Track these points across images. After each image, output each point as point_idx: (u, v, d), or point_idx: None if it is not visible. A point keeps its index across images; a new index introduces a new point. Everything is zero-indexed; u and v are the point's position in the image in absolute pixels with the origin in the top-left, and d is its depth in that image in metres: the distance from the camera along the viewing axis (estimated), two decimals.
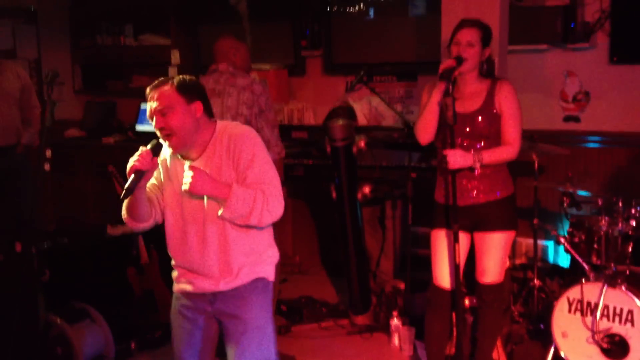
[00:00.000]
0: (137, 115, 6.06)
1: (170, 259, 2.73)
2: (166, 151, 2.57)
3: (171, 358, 2.80)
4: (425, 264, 3.50)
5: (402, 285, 4.33)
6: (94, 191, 5.97)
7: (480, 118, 3.18)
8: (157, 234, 4.32)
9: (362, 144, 4.05)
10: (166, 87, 2.47)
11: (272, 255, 2.67)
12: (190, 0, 6.00)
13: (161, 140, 2.50)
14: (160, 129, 2.45)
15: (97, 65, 6.52)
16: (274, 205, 2.47)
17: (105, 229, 4.50)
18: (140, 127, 6.01)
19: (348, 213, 4.17)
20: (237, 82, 3.83)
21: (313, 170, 4.41)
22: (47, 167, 3.08)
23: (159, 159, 2.57)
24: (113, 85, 6.51)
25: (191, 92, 2.49)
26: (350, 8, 5.52)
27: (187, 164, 2.50)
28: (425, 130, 3.25)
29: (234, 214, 2.44)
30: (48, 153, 3.06)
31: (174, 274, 2.70)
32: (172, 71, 5.87)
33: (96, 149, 6.01)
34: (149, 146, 2.47)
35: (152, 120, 2.47)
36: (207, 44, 4.01)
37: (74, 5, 6.44)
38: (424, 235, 4.51)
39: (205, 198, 2.49)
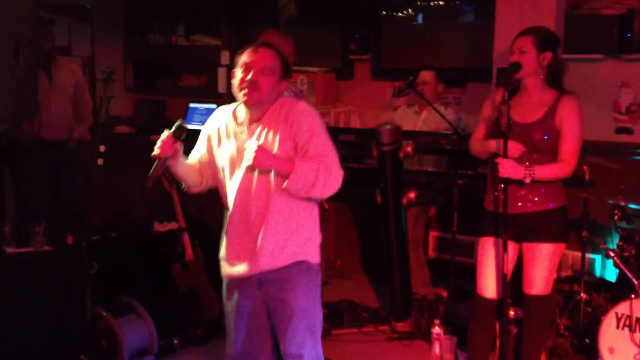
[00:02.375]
0: (186, 113, 6.14)
1: (215, 255, 2.78)
2: (220, 119, 2.67)
3: (221, 350, 2.84)
4: (464, 272, 3.46)
5: (444, 293, 4.30)
6: (142, 187, 6.05)
7: (537, 130, 3.13)
8: (202, 232, 4.41)
9: (409, 149, 4.04)
10: (274, 51, 2.58)
11: (315, 237, 2.70)
12: (241, 1, 6.06)
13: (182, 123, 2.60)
14: (251, 82, 2.52)
15: (148, 63, 6.63)
16: (335, 177, 2.55)
17: (152, 226, 4.58)
18: (188, 126, 6.06)
19: (392, 218, 4.16)
20: None
21: (359, 174, 4.40)
22: (100, 161, 3.15)
23: (211, 128, 2.69)
24: (163, 84, 6.61)
25: (287, 70, 2.62)
26: (399, 13, 5.52)
27: (249, 141, 2.53)
28: (479, 155, 3.34)
29: (298, 186, 2.50)
30: (102, 148, 3.12)
31: (221, 256, 2.74)
32: (221, 72, 5.93)
33: (145, 146, 6.05)
34: (171, 131, 2.56)
35: (245, 73, 2.54)
36: None
37: (128, 4, 6.56)
38: (464, 243, 4.50)
39: (255, 172, 2.56)
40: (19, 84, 3.31)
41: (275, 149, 2.53)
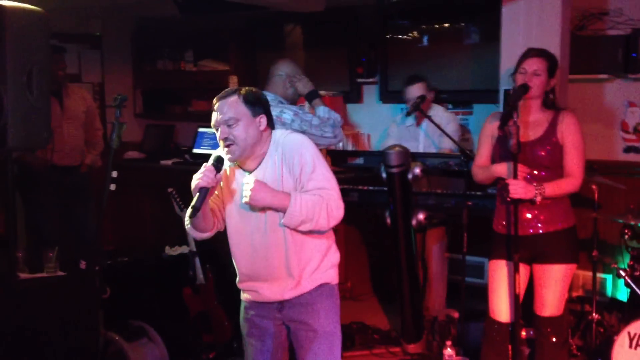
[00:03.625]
0: (195, 138, 6.19)
1: (226, 279, 2.79)
2: (226, 162, 2.63)
3: None
4: (475, 293, 3.46)
5: (455, 314, 4.29)
6: (152, 212, 6.10)
7: (541, 147, 3.16)
8: (213, 256, 4.42)
9: (418, 170, 4.05)
10: (233, 99, 2.53)
11: (333, 258, 2.70)
12: (249, 27, 6.14)
13: (221, 153, 2.56)
14: (224, 139, 2.51)
15: (157, 89, 6.70)
16: (334, 209, 2.53)
17: (163, 250, 4.60)
18: (197, 150, 6.13)
19: (402, 240, 4.16)
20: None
21: (367, 196, 4.42)
22: (112, 187, 3.17)
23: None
24: (172, 109, 6.68)
25: (257, 105, 2.56)
26: (405, 36, 5.57)
27: (246, 176, 2.55)
28: (483, 182, 3.38)
29: (296, 222, 2.49)
30: (114, 174, 3.15)
31: (239, 282, 2.74)
32: (229, 89, 5.98)
33: (155, 171, 6.15)
34: (210, 162, 2.54)
35: (217, 131, 2.54)
36: (265, 70, 4.08)
37: (137, 32, 6.65)
38: (474, 264, 4.50)
39: (263, 209, 2.55)
40: (32, 112, 3.36)
41: (278, 188, 2.52)
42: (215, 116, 2.54)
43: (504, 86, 4.18)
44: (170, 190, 4.31)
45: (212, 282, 4.29)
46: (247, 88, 2.60)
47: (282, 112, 3.71)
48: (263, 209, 2.55)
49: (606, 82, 4.63)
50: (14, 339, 3.24)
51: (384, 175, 4.09)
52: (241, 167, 2.62)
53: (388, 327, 4.72)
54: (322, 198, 2.51)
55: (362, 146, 5.48)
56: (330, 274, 2.69)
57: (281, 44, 6.01)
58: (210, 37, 6.26)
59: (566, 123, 3.17)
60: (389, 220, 4.17)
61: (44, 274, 3.51)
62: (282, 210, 2.49)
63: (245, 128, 2.51)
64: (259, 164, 2.59)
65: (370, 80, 5.63)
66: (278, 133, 2.65)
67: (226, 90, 2.59)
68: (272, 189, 2.50)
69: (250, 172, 2.60)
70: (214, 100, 2.56)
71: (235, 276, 2.77)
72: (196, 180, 2.49)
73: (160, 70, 6.54)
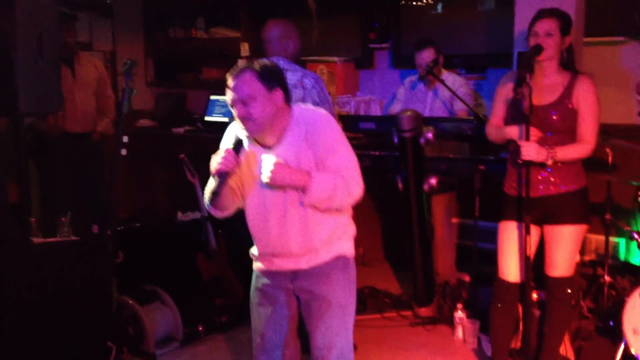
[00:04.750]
0: (207, 106, 6.19)
1: (238, 244, 2.79)
2: (242, 137, 2.58)
3: (245, 336, 2.85)
4: (487, 257, 3.47)
5: (467, 278, 4.30)
6: (164, 179, 6.13)
7: (554, 112, 3.12)
8: (225, 221, 4.45)
9: (429, 135, 4.02)
10: (247, 75, 2.45)
11: (349, 230, 2.69)
12: None
13: (241, 135, 2.51)
14: (242, 118, 2.46)
15: (169, 57, 6.69)
16: (354, 189, 2.51)
17: (175, 216, 4.64)
18: (209, 118, 6.14)
19: (414, 204, 4.15)
20: (287, 79, 3.62)
21: (379, 162, 4.40)
22: (124, 152, 3.19)
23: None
24: (184, 77, 6.67)
25: (272, 79, 2.48)
26: (418, 2, 5.50)
27: (266, 154, 2.49)
28: (496, 141, 3.35)
29: (315, 201, 2.47)
30: (125, 139, 3.17)
31: (254, 252, 2.73)
32: (241, 63, 5.96)
33: (167, 138, 6.17)
34: (230, 144, 2.49)
35: (233, 109, 2.48)
36: None
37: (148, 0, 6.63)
38: (486, 229, 4.50)
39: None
40: (43, 78, 3.38)
41: (297, 164, 2.49)
42: (230, 95, 2.47)
43: (518, 49, 4.13)
44: (182, 156, 4.33)
45: (224, 247, 4.32)
46: (260, 62, 2.51)
47: (304, 77, 3.68)
48: (282, 187, 2.52)
49: (622, 45, 4.56)
50: (28, 303, 3.29)
51: (395, 139, 4.07)
52: (259, 144, 2.56)
53: (400, 291, 4.75)
54: (343, 178, 2.48)
55: (374, 112, 5.45)
56: (347, 246, 2.67)
57: (292, 10, 5.95)
58: (221, 4, 6.24)
59: (582, 88, 3.12)
60: (400, 185, 4.17)
61: (58, 238, 3.55)
62: (302, 189, 2.46)
63: (262, 105, 2.44)
64: (279, 139, 2.53)
65: (383, 45, 5.58)
66: (300, 108, 2.60)
67: (239, 65, 2.51)
68: (292, 168, 2.47)
69: (269, 148, 2.54)
70: (227, 77, 2.49)
71: (247, 241, 2.76)
72: (215, 164, 2.45)
73: (171, 38, 6.53)
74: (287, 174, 2.44)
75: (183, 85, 6.67)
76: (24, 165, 3.48)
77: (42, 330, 3.33)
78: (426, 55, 4.57)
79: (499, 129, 3.31)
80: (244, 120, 2.46)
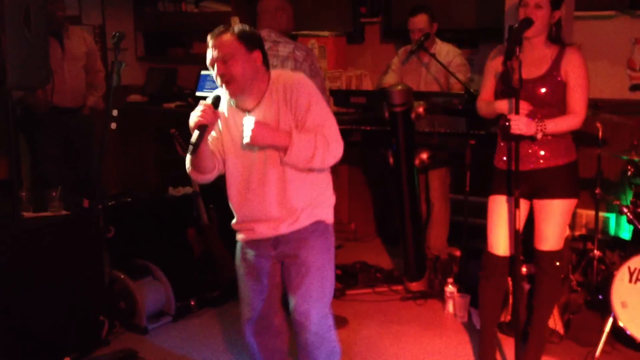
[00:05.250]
0: (197, 81, 6.15)
1: (229, 219, 2.80)
2: (223, 102, 2.62)
3: (237, 311, 2.88)
4: (477, 232, 3.48)
5: (457, 253, 4.32)
6: (156, 154, 6.11)
7: (543, 85, 3.12)
8: (216, 196, 4.44)
9: (420, 109, 4.02)
10: (227, 36, 2.51)
11: (330, 198, 2.74)
12: None
13: (220, 93, 2.56)
14: (221, 76, 2.50)
15: (159, 32, 6.63)
16: (334, 147, 2.55)
17: (166, 190, 4.63)
18: (200, 93, 6.09)
19: (405, 179, 4.16)
20: (279, 52, 3.69)
21: (370, 136, 4.39)
22: (113, 126, 3.16)
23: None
24: (174, 52, 6.62)
25: (251, 41, 2.54)
26: None
27: (246, 116, 2.53)
28: (487, 116, 3.36)
29: (297, 160, 2.51)
30: (114, 112, 3.14)
31: (235, 224, 2.75)
32: (221, 27, 5.92)
33: (157, 114, 6.13)
34: (209, 100, 2.53)
35: (213, 68, 2.52)
36: None
37: None
38: (477, 204, 4.52)
39: (260, 148, 2.55)
40: (30, 51, 3.34)
41: (277, 126, 2.53)
42: (210, 53, 2.52)
43: (509, 22, 4.10)
44: (172, 131, 4.30)
45: (216, 223, 4.33)
46: (240, 25, 2.57)
47: (296, 49, 3.71)
48: (262, 148, 2.55)
49: (613, 19, 4.54)
50: (19, 278, 3.29)
51: (386, 114, 4.06)
52: (239, 107, 2.61)
53: (391, 266, 4.79)
54: (323, 136, 2.52)
55: (365, 86, 5.43)
56: (326, 212, 2.72)
57: None
58: None
59: (570, 60, 3.12)
60: (391, 160, 4.17)
61: (48, 213, 3.54)
62: (283, 148, 2.50)
63: (242, 64, 2.49)
64: (258, 102, 2.58)
65: (374, 19, 5.54)
66: (277, 72, 2.65)
67: (219, 27, 2.56)
68: (272, 128, 2.51)
69: (248, 111, 2.59)
70: (208, 37, 2.54)
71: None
72: (195, 117, 2.48)
73: (161, 12, 6.46)
74: (267, 133, 2.48)
75: (173, 60, 6.62)
76: (13, 140, 3.44)
77: (33, 305, 3.34)
78: (419, 21, 4.54)
79: (489, 103, 3.31)
80: (225, 80, 2.50)
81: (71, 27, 5.00)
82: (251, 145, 2.54)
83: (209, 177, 2.69)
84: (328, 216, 2.73)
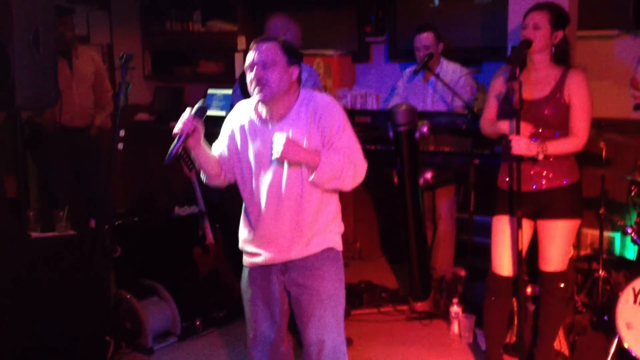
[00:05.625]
0: (204, 99, 6.19)
1: (235, 238, 2.81)
2: (244, 115, 2.66)
3: (241, 331, 2.87)
4: (482, 251, 3.49)
5: (462, 273, 4.32)
6: (162, 174, 6.14)
7: (547, 106, 3.14)
8: (222, 216, 4.47)
9: (424, 129, 4.04)
10: (273, 43, 2.56)
11: (340, 225, 2.76)
12: None
13: (205, 103, 2.61)
14: (258, 79, 2.53)
15: (166, 51, 6.69)
16: (360, 169, 2.61)
17: (173, 210, 4.65)
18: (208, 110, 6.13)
19: (409, 199, 4.18)
20: None
21: (375, 156, 4.41)
22: (120, 146, 3.20)
23: (234, 124, 2.68)
24: (181, 71, 6.68)
25: (294, 55, 2.59)
26: None
27: (278, 133, 2.53)
28: (490, 136, 3.38)
29: (324, 179, 2.54)
30: (122, 133, 3.17)
31: (244, 246, 2.76)
32: (238, 57, 5.97)
33: (164, 132, 6.14)
34: (193, 110, 2.57)
35: (251, 71, 2.55)
36: None
37: None
38: (482, 223, 4.52)
39: (285, 165, 2.58)
40: (39, 72, 3.38)
41: (304, 143, 2.55)
42: (251, 55, 2.56)
43: (512, 42, 4.14)
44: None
45: (221, 242, 4.34)
46: (286, 39, 2.63)
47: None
48: (282, 167, 2.57)
49: (616, 38, 4.56)
50: (25, 297, 3.30)
51: (391, 134, 4.09)
52: (263, 116, 2.62)
53: (396, 286, 4.78)
54: (349, 158, 2.56)
55: (370, 105, 5.46)
56: (336, 240, 2.73)
57: (289, 3, 5.95)
58: None
59: (574, 81, 3.13)
60: (396, 179, 4.19)
61: (55, 232, 3.56)
62: (312, 167, 2.52)
63: (280, 73, 2.54)
64: (284, 116, 2.60)
65: (379, 39, 5.58)
66: (308, 90, 2.69)
67: (267, 35, 2.64)
68: (302, 146, 2.54)
69: (273, 122, 2.60)
70: (252, 42, 2.60)
71: None
72: (176, 127, 2.54)
73: (168, 31, 6.52)
74: (298, 150, 2.51)
75: (180, 79, 6.67)
76: (21, 159, 3.49)
77: (39, 325, 3.34)
78: (425, 38, 4.55)
79: (492, 123, 3.33)
80: (261, 83, 2.53)
81: (79, 47, 5.05)
82: (272, 164, 2.57)
83: (216, 182, 2.74)
84: (338, 243, 2.73)
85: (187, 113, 2.56)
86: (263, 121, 2.63)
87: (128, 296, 3.89)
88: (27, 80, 3.30)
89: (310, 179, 2.54)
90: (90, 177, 4.97)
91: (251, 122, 2.66)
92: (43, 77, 3.39)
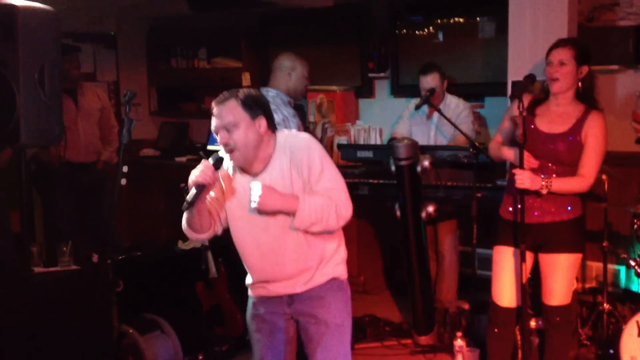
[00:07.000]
0: (209, 135, 6.25)
1: (238, 273, 2.81)
2: (229, 165, 2.61)
3: None
4: (485, 284, 3.48)
5: (466, 306, 4.30)
6: (167, 208, 6.18)
7: (562, 143, 3.13)
8: (225, 249, 4.47)
9: (426, 163, 4.06)
10: (231, 103, 2.50)
11: (342, 253, 2.73)
12: (261, 24, 6.19)
13: (222, 154, 2.55)
14: (225, 145, 2.50)
15: (171, 87, 6.78)
16: (343, 210, 2.54)
17: (176, 244, 4.66)
18: (211, 147, 6.19)
19: (412, 232, 4.18)
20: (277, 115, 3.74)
21: (378, 190, 4.44)
22: (123, 182, 3.22)
23: (221, 173, 2.60)
24: (186, 107, 6.75)
25: (255, 107, 2.53)
26: (417, 31, 5.57)
27: (255, 182, 2.50)
28: (495, 159, 3.41)
29: (305, 224, 2.50)
30: (125, 169, 3.20)
31: (248, 280, 2.75)
32: (226, 92, 6.05)
33: (169, 167, 6.22)
34: (210, 160, 2.52)
35: (217, 135, 2.53)
36: None
37: (151, 31, 6.73)
38: (484, 256, 4.52)
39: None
40: (44, 109, 3.42)
41: (291, 191, 2.51)
42: (214, 121, 2.52)
43: (512, 77, 4.18)
44: (182, 185, 4.35)
45: (224, 276, 4.34)
46: (244, 90, 2.56)
47: (286, 117, 3.85)
48: (272, 212, 2.53)
49: (617, 73, 4.60)
50: (28, 332, 3.30)
51: (393, 168, 4.11)
52: (247, 172, 2.59)
53: (400, 319, 4.75)
54: (330, 199, 2.51)
55: (373, 140, 5.50)
56: (340, 269, 2.71)
57: (292, 41, 6.04)
58: (223, 35, 6.33)
59: (593, 124, 3.11)
60: (398, 213, 4.20)
61: (58, 268, 3.58)
62: (292, 213, 2.49)
63: (245, 132, 2.48)
64: (265, 167, 2.57)
65: (382, 75, 5.65)
66: (284, 134, 2.64)
67: (223, 93, 2.55)
68: (280, 192, 2.49)
69: (255, 175, 2.57)
70: (212, 104, 2.54)
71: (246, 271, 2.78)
72: (193, 176, 2.47)
73: (174, 68, 6.62)
74: (275, 198, 2.47)
75: (186, 115, 6.75)
76: (26, 195, 3.50)
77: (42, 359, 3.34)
78: (430, 79, 4.61)
79: (499, 147, 3.33)
80: (228, 149, 2.50)
81: (85, 84, 5.14)
82: (260, 211, 2.51)
83: (203, 236, 2.66)
84: (342, 273, 2.72)
85: (206, 163, 2.49)
86: (243, 173, 2.60)
87: (130, 330, 3.87)
88: (31, 117, 3.33)
89: (291, 226, 2.51)
90: (96, 212, 5.01)
91: (236, 170, 2.61)
92: (48, 114, 3.42)
